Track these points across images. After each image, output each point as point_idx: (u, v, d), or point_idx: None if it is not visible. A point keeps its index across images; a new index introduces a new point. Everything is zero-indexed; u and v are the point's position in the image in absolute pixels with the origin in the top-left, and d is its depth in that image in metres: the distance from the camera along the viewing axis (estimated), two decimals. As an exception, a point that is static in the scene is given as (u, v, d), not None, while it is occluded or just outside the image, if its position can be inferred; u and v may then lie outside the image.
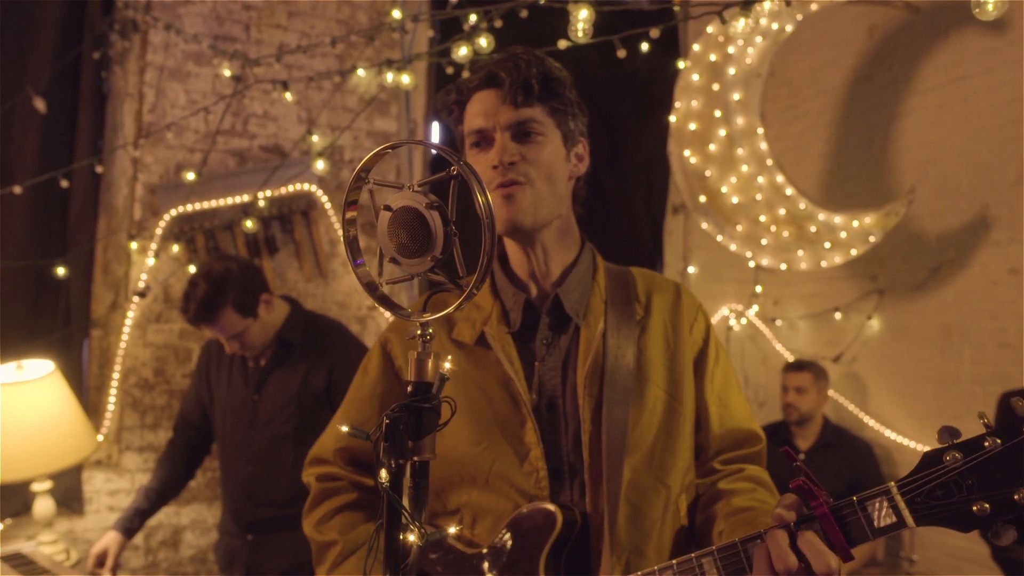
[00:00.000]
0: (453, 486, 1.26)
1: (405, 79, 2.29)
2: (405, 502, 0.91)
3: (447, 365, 0.95)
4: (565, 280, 1.29)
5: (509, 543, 1.18)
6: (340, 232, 3.67)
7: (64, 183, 2.98)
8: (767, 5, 1.36)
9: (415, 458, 0.92)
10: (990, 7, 1.16)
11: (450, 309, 0.94)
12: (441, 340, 1.34)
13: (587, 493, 1.19)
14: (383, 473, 0.89)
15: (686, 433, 1.26)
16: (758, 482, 1.25)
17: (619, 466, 1.18)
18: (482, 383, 1.26)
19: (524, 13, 1.95)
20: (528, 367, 1.26)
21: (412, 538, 0.89)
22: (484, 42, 1.96)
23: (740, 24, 1.38)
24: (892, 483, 0.92)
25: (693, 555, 1.03)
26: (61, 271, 3.14)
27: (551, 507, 1.16)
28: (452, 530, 0.98)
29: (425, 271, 0.93)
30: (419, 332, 0.95)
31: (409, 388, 0.93)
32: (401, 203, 0.93)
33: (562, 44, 1.84)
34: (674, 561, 1.05)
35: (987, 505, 0.86)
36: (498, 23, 1.94)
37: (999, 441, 0.86)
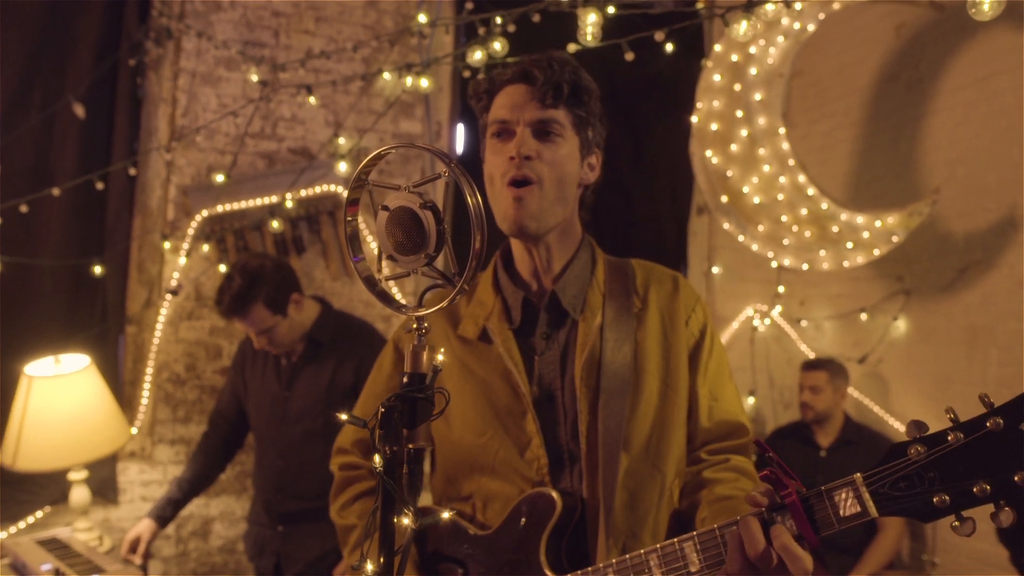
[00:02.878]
0: (464, 474, 1.33)
1: (424, 83, 2.34)
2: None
3: (440, 357, 1.00)
4: (563, 276, 1.33)
5: (513, 526, 1.24)
6: (365, 232, 3.75)
7: (100, 185, 3.09)
8: (769, 7, 1.37)
9: (410, 445, 0.97)
10: (986, 7, 1.17)
11: (441, 305, 0.98)
12: (448, 335, 1.40)
13: (584, 480, 1.25)
14: (377, 459, 0.94)
15: (680, 422, 1.31)
16: (742, 472, 1.29)
17: (615, 454, 1.23)
18: (485, 376, 1.32)
19: (537, 17, 1.99)
20: (528, 361, 1.31)
21: (406, 521, 0.94)
22: (498, 46, 2.01)
23: (742, 27, 1.41)
24: (858, 475, 0.95)
25: (676, 540, 1.08)
26: (98, 269, 3.26)
27: (552, 493, 1.22)
28: (445, 515, 1.03)
29: (419, 268, 0.98)
30: (414, 326, 1.01)
31: (404, 379, 0.98)
32: (397, 203, 0.98)
33: (571, 48, 1.89)
34: (658, 545, 1.10)
35: (947, 497, 0.89)
36: (511, 27, 1.98)
37: (961, 436, 0.89)
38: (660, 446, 1.28)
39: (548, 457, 1.26)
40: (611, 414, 1.24)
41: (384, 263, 1.02)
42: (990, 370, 3.28)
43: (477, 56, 2.01)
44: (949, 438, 0.90)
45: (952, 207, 3.43)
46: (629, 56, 1.82)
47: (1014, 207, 3.22)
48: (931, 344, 3.55)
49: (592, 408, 1.26)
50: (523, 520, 1.23)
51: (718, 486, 1.24)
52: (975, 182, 3.37)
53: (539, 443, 1.26)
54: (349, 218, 1.05)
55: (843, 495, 0.95)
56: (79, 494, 2.63)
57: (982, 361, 3.31)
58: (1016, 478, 0.86)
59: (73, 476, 2.62)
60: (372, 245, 3.78)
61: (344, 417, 1.05)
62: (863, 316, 3.86)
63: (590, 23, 1.63)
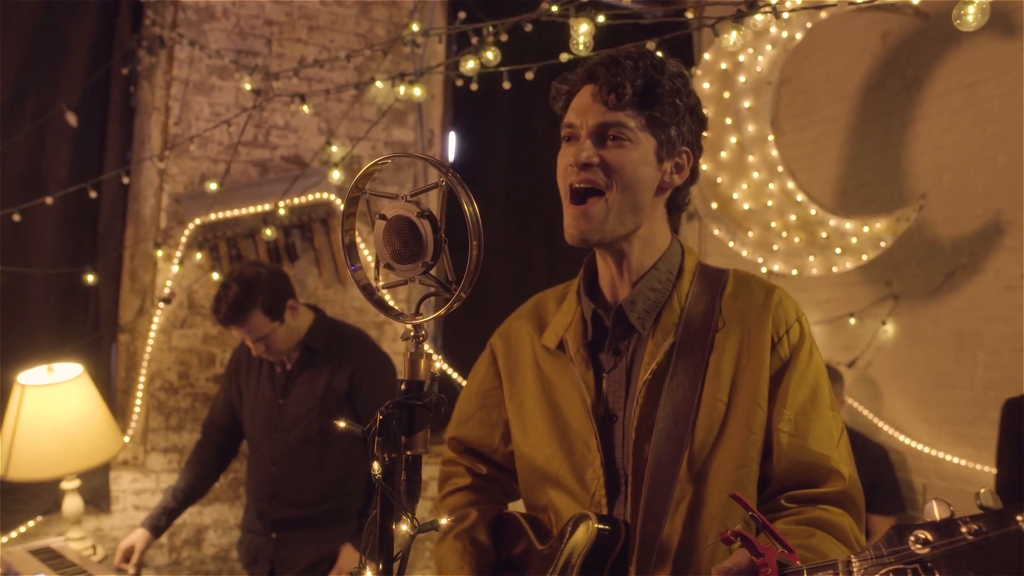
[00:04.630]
0: (538, 484, 1.32)
1: (417, 91, 2.36)
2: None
3: (438, 365, 1.01)
4: (635, 289, 1.25)
5: (557, 548, 1.22)
6: (358, 240, 3.76)
7: (93, 194, 3.09)
8: (759, 17, 1.40)
9: (408, 452, 0.98)
10: (970, 18, 1.19)
11: (439, 313, 1.00)
12: (533, 341, 1.37)
13: (629, 507, 1.18)
14: (375, 466, 0.95)
15: (750, 458, 1.17)
16: (820, 526, 1.10)
17: (665, 486, 1.14)
18: (560, 388, 1.29)
19: (529, 27, 2.01)
20: (597, 377, 1.26)
21: (404, 528, 0.95)
22: (491, 55, 2.03)
23: (732, 37, 1.43)
24: (852, 556, 0.81)
25: None
26: (90, 278, 3.26)
27: (591, 518, 1.18)
28: (443, 521, 1.04)
29: (417, 276, 0.99)
30: (412, 333, 1.02)
31: (402, 386, 1.00)
32: (394, 212, 0.99)
33: (564, 57, 1.91)
34: None
35: None
36: (504, 37, 2.01)
37: (978, 529, 0.70)
38: (721, 483, 1.15)
39: (606, 479, 1.20)
40: (665, 442, 1.16)
41: (381, 271, 1.04)
42: (978, 373, 3.32)
43: (470, 65, 2.03)
44: (962, 530, 0.71)
45: (939, 212, 3.48)
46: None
47: (1000, 212, 3.27)
48: (919, 348, 3.59)
49: (646, 434, 1.18)
50: (565, 543, 1.19)
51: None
52: (962, 188, 3.42)
53: (599, 464, 1.21)
54: (347, 227, 1.06)
55: None
56: (72, 503, 2.63)
57: (970, 365, 3.35)
58: None
59: (66, 485, 2.61)
60: (366, 253, 3.79)
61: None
62: (852, 321, 3.89)
63: (582, 33, 1.65)
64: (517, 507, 1.44)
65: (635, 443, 1.19)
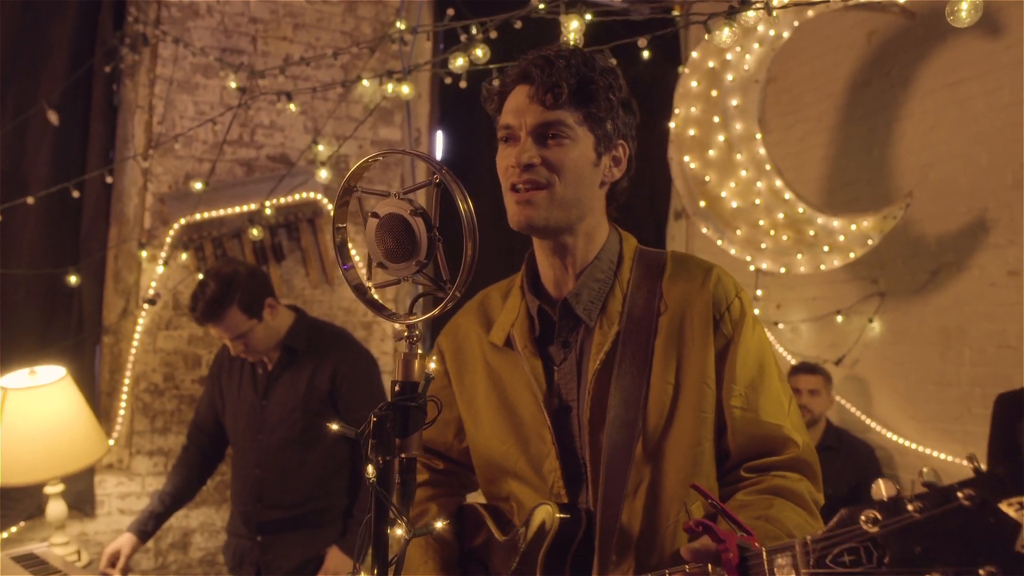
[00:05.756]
0: (498, 476, 1.31)
1: (405, 89, 2.34)
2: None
3: (432, 365, 0.99)
4: (578, 281, 1.26)
5: (519, 538, 1.22)
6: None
7: (76, 193, 3.05)
8: (751, 14, 1.39)
9: (402, 455, 0.97)
10: (963, 14, 1.19)
11: (432, 313, 0.98)
12: (481, 339, 1.37)
13: (590, 496, 1.20)
14: (370, 469, 0.93)
15: (703, 437, 1.19)
16: (779, 493, 1.14)
17: (621, 471, 1.16)
18: (510, 384, 1.29)
19: (518, 24, 2.00)
20: (548, 371, 1.27)
21: (399, 532, 0.94)
22: (480, 52, 2.01)
23: (724, 33, 1.42)
24: (806, 538, 0.83)
25: (667, 571, 1.05)
26: (73, 279, 3.22)
27: (552, 507, 1.19)
28: (439, 524, 1.02)
29: (410, 275, 0.98)
30: (406, 334, 1.00)
31: (396, 387, 0.98)
32: (387, 210, 0.97)
33: (554, 55, 1.89)
34: None
35: None
36: (493, 34, 1.99)
37: (922, 506, 0.72)
38: (677, 464, 1.18)
39: (563, 471, 1.21)
40: (619, 429, 1.17)
41: (373, 270, 1.02)
42: (963, 370, 3.35)
43: (459, 63, 2.01)
44: (908, 507, 0.73)
45: (924, 211, 3.50)
46: (612, 62, 1.83)
47: (984, 210, 3.29)
48: (905, 345, 3.61)
49: (599, 421, 1.19)
50: (526, 533, 1.20)
51: (743, 512, 1.10)
52: (946, 186, 3.45)
53: (555, 456, 1.22)
54: (339, 225, 1.04)
55: (780, 560, 0.85)
56: (55, 508, 2.58)
57: (955, 361, 3.38)
58: (981, 572, 0.68)
59: (49, 490, 2.57)
60: (353, 253, 3.76)
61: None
62: (839, 318, 3.92)
63: (572, 29, 1.64)
64: (477, 497, 1.43)
65: (590, 433, 1.20)
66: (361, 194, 1.04)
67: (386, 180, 3.84)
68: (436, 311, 0.99)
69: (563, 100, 1.18)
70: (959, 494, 0.70)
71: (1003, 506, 0.68)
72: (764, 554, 0.87)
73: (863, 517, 0.76)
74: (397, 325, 0.98)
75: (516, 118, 1.21)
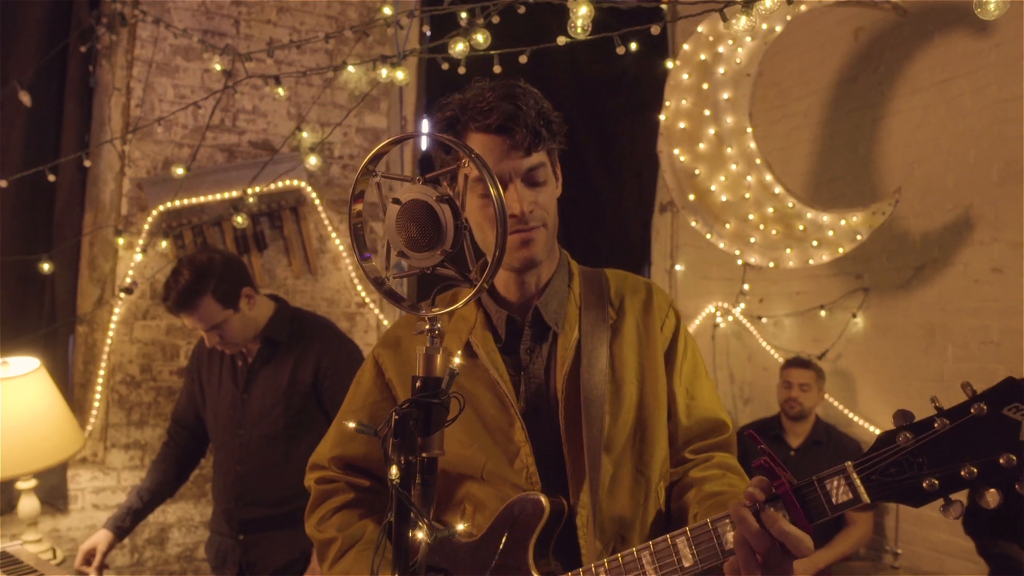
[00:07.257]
0: (452, 482, 1.33)
1: (400, 75, 2.28)
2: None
3: (457, 360, 0.95)
4: (544, 292, 1.35)
5: (500, 530, 1.23)
6: (329, 228, 3.66)
7: (52, 177, 2.93)
8: (768, 3, 1.37)
9: (424, 454, 0.92)
10: (992, 7, 1.18)
11: (461, 304, 0.94)
12: None
13: (570, 487, 1.26)
14: (393, 470, 0.89)
15: (660, 425, 1.34)
16: (727, 468, 1.32)
17: (598, 462, 1.26)
18: (471, 389, 1.32)
19: (522, 9, 1.95)
20: (514, 376, 1.33)
21: (421, 535, 0.89)
22: (481, 38, 1.96)
23: (742, 22, 1.40)
24: (849, 462, 0.98)
25: (668, 536, 1.10)
26: (46, 266, 3.10)
27: (540, 496, 1.22)
28: (460, 527, 0.99)
29: (435, 265, 0.93)
30: (427, 327, 0.95)
31: (418, 383, 0.93)
32: (410, 196, 0.92)
33: (561, 40, 1.85)
34: (651, 543, 1.11)
35: (936, 481, 0.92)
36: (495, 19, 1.94)
37: (947, 422, 0.92)
38: (643, 449, 1.31)
39: (537, 465, 1.27)
40: (592, 423, 1.27)
41: (391, 260, 0.97)
42: (946, 365, 3.39)
43: (460, 48, 1.96)
44: (936, 424, 0.93)
45: (910, 207, 3.53)
46: (620, 50, 1.80)
47: (970, 207, 3.33)
48: (889, 340, 3.64)
49: (574, 418, 1.28)
50: (511, 524, 1.22)
51: (707, 484, 1.27)
52: (932, 183, 3.47)
53: (528, 451, 1.27)
54: (358, 208, 0.99)
55: (835, 483, 0.98)
56: (28, 504, 2.49)
57: (939, 357, 3.42)
58: (1001, 460, 0.88)
59: (21, 485, 2.48)
60: (338, 243, 3.68)
61: (352, 425, 1.00)
62: (823, 313, 3.94)
63: (581, 15, 1.60)
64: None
65: (566, 429, 1.28)
66: (380, 179, 0.99)
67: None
68: (460, 304, 0.95)
69: (541, 143, 1.26)
70: (972, 409, 0.91)
71: (1006, 412, 0.90)
72: (816, 482, 0.99)
73: (900, 438, 0.94)
74: (423, 316, 0.94)
75: (499, 167, 1.25)
